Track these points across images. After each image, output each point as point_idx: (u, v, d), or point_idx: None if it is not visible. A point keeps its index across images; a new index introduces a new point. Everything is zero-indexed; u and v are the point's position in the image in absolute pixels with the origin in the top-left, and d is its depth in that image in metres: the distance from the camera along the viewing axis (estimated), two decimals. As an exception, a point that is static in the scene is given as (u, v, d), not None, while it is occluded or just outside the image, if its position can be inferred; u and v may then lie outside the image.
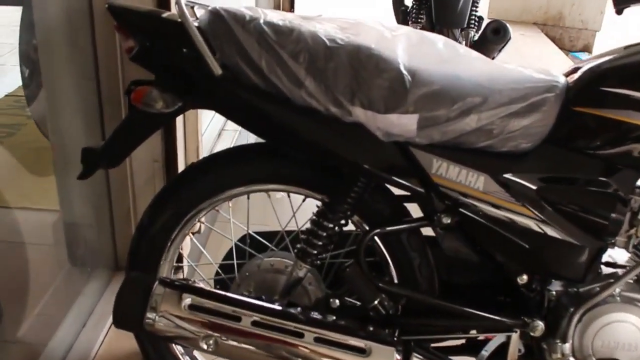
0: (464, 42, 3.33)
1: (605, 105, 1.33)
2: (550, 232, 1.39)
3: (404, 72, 1.32)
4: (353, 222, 1.55)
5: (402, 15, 3.63)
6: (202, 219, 1.69)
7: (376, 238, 1.53)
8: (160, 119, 1.52)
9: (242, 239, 1.71)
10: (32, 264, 2.13)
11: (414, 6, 3.48)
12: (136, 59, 1.46)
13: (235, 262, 1.70)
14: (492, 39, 3.16)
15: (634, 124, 1.31)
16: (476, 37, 3.40)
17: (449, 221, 1.44)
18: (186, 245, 1.86)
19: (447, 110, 1.33)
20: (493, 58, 3.35)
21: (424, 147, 1.38)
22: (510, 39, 3.21)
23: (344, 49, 1.33)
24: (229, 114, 1.46)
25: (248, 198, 1.64)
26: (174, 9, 1.82)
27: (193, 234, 1.79)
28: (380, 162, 1.40)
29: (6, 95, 3.64)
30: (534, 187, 1.38)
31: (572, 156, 1.38)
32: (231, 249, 1.71)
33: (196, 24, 1.38)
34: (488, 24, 3.17)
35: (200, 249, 1.84)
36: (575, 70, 1.45)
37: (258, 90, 1.38)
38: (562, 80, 1.39)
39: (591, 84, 1.36)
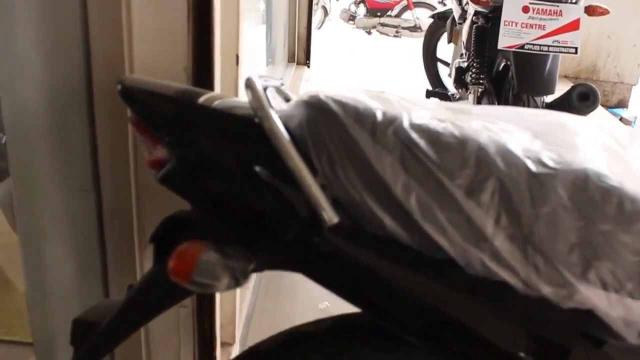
0: (537, 107, 2.75)
1: None
2: None
3: (669, 222, 0.71)
4: None
5: (457, 77, 3.06)
6: None
7: None
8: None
9: None
10: None
11: (474, 66, 2.90)
12: (169, 182, 0.85)
13: None
14: (578, 106, 2.58)
15: None
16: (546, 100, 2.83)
17: None
18: None
19: None
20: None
21: (702, 352, 0.76)
22: (597, 107, 2.64)
23: (563, 179, 0.72)
24: (339, 288, 0.82)
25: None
26: (218, 84, 1.20)
27: None
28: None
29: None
30: None
31: None
32: None
33: (279, 123, 0.78)
34: (574, 87, 2.59)
35: None
36: None
37: (397, 250, 0.76)
38: None
39: None
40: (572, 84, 2.70)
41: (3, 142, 1.78)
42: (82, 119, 1.18)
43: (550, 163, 0.74)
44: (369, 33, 9.06)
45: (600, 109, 5.69)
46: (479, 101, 2.85)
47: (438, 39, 4.63)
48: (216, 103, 0.84)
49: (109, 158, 1.21)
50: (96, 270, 1.28)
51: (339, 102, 0.77)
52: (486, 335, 0.77)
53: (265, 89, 0.85)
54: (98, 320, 0.95)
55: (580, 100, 2.58)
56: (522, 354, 0.77)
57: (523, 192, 0.72)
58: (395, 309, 0.80)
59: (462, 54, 3.27)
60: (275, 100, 0.87)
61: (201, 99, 0.84)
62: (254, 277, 2.32)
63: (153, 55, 1.13)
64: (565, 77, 6.27)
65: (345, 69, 6.51)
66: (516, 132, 0.80)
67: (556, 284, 0.72)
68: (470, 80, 2.88)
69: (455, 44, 3.71)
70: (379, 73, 6.43)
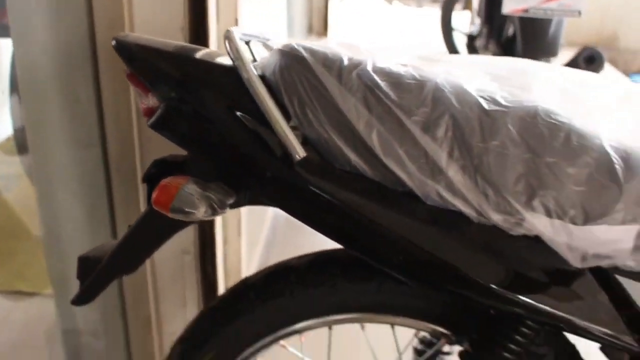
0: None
1: None
2: None
3: (612, 154, 0.77)
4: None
5: (469, 42, 3.09)
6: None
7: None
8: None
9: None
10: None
11: (483, 33, 2.93)
12: (159, 127, 0.93)
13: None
14: (585, 68, 2.61)
15: None
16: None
17: None
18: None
19: (687, 217, 0.78)
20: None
21: (642, 275, 0.82)
22: (604, 69, 2.67)
23: (512, 115, 0.79)
24: (309, 219, 0.90)
25: (330, 328, 1.09)
26: (214, 44, 1.28)
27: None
28: (565, 299, 0.84)
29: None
30: None
31: None
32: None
33: (258, 71, 0.85)
34: (581, 51, 2.63)
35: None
36: None
37: (362, 183, 0.83)
38: None
39: None
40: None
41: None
42: (87, 78, 1.26)
43: (502, 101, 0.80)
44: (390, 2, 9.05)
45: (621, 75, 5.67)
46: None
47: (454, 7, 4.64)
48: (200, 54, 0.91)
49: (114, 113, 1.29)
50: (105, 216, 1.37)
51: (309, 50, 0.84)
52: (452, 264, 0.84)
53: (248, 42, 0.93)
54: (101, 256, 1.04)
55: (587, 63, 2.61)
56: (494, 286, 0.84)
57: (474, 127, 0.78)
58: (365, 240, 0.87)
59: (473, 21, 3.30)
60: (260, 53, 0.95)
61: (191, 53, 0.92)
62: (265, 232, 2.42)
63: (151, 16, 1.20)
64: (584, 45, 6.24)
65: (365, 38, 6.54)
66: (477, 75, 0.87)
67: (505, 212, 0.79)
68: (480, 47, 2.92)
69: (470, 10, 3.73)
70: (397, 42, 6.44)
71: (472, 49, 3.14)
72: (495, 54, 2.94)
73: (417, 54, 0.95)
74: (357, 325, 1.09)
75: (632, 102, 0.90)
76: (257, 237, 2.28)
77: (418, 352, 1.26)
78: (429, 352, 1.21)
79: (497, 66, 0.92)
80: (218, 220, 1.46)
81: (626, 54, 6.14)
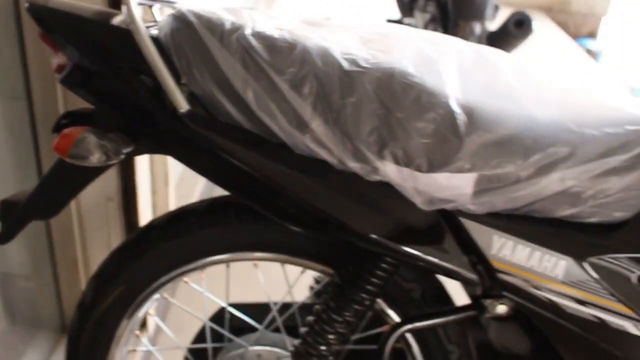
0: (479, 33, 2.89)
1: None
2: (659, 336, 0.98)
3: (457, 110, 0.89)
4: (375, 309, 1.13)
5: (408, 4, 3.18)
6: (165, 294, 1.25)
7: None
8: (100, 169, 1.08)
9: (219, 316, 1.29)
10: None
11: (421, -7, 3.03)
12: (68, 83, 1.03)
13: (209, 345, 1.28)
14: (514, 32, 2.76)
15: None
16: (491, 29, 2.97)
17: (504, 311, 1.03)
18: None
19: (518, 167, 0.90)
20: (510, 52, 2.94)
21: (481, 218, 0.95)
22: (532, 33, 2.79)
23: (370, 75, 0.90)
24: (198, 167, 1.02)
25: (228, 266, 1.21)
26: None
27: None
28: (416, 238, 0.97)
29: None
30: (633, 275, 0.96)
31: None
32: (204, 329, 1.29)
33: (154, 32, 0.95)
34: (511, 16, 2.74)
35: (164, 328, 1.41)
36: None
37: (241, 134, 0.95)
38: None
39: None
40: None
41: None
42: (10, 34, 1.34)
43: (363, 63, 0.91)
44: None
45: (569, 39, 5.82)
46: (425, 28, 2.99)
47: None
48: (103, 17, 1.01)
49: (38, 68, 1.37)
50: (32, 167, 1.46)
51: (197, 15, 0.94)
52: (319, 207, 0.96)
53: (151, 6, 1.03)
54: (22, 200, 1.14)
55: (516, 27, 2.73)
56: (354, 226, 0.96)
57: (335, 85, 0.89)
58: (245, 185, 0.99)
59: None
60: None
61: (97, 17, 1.01)
62: (200, 184, 2.52)
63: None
64: (538, 8, 6.37)
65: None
66: (348, 39, 0.97)
67: (361, 160, 0.91)
68: (417, 9, 3.02)
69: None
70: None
71: (410, 10, 3.23)
72: (434, 16, 3.04)
73: (304, 18, 1.05)
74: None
75: (485, 63, 1.02)
76: (192, 189, 2.38)
77: (317, 294, 1.38)
78: (317, 288, 1.34)
79: (369, 31, 1.03)
80: (142, 170, 1.56)
81: (577, 17, 6.29)
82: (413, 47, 0.99)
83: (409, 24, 3.53)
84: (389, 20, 3.85)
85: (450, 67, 0.96)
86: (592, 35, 6.33)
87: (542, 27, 5.72)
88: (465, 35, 2.76)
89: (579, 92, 1.03)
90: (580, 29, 6.31)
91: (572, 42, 5.69)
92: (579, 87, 1.04)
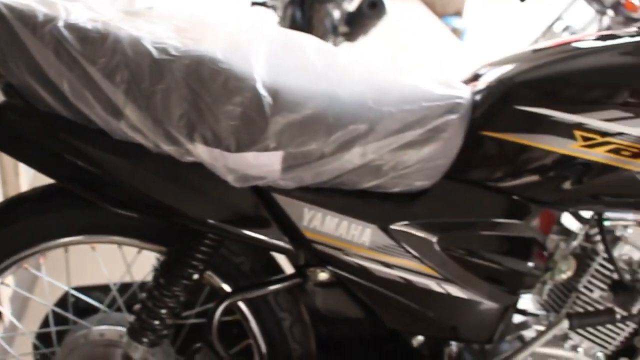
0: (337, 16, 3.00)
1: (523, 129, 1.03)
2: (455, 291, 1.10)
3: (263, 93, 0.97)
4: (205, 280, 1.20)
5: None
6: (5, 280, 1.26)
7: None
8: None
9: (63, 301, 1.33)
10: None
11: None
12: None
13: (53, 329, 1.31)
14: (368, 14, 2.87)
15: (558, 153, 1.02)
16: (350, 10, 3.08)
17: (326, 278, 1.12)
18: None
19: (322, 144, 0.99)
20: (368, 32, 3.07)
21: (292, 192, 1.04)
22: (386, 14, 2.92)
23: (179, 63, 0.96)
24: (22, 157, 1.05)
25: (66, 251, 1.24)
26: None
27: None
28: (232, 215, 1.04)
29: None
30: (433, 238, 1.07)
31: (478, 194, 1.08)
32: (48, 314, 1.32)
33: None
34: (364, -2, 2.86)
35: (9, 316, 1.42)
36: (476, 77, 1.15)
37: (60, 123, 0.98)
38: (467, 95, 1.07)
39: (504, 101, 1.05)
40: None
41: None
42: None
43: (172, 51, 0.96)
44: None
45: (434, 18, 6.05)
46: (285, 10, 3.06)
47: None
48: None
49: None
50: None
51: (9, 7, 0.96)
52: (140, 189, 1.01)
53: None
54: None
55: (369, 8, 2.85)
56: (174, 206, 1.02)
57: (145, 73, 0.95)
58: (72, 173, 1.02)
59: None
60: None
61: None
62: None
63: None
64: (406, -13, 6.57)
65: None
66: (162, 28, 1.02)
67: (173, 143, 0.97)
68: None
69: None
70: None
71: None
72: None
73: (124, 9, 1.09)
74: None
75: (293, 48, 1.09)
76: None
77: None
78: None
79: (185, 20, 1.08)
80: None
81: (443, -5, 6.51)
82: (224, 34, 1.05)
83: (272, 7, 3.61)
84: (254, 3, 3.90)
85: (260, 53, 1.03)
86: (458, 13, 6.58)
87: (406, 6, 5.91)
88: (322, 17, 2.86)
89: (382, 73, 1.13)
90: (446, 8, 6.53)
91: (437, 21, 5.91)
92: (382, 68, 1.14)
